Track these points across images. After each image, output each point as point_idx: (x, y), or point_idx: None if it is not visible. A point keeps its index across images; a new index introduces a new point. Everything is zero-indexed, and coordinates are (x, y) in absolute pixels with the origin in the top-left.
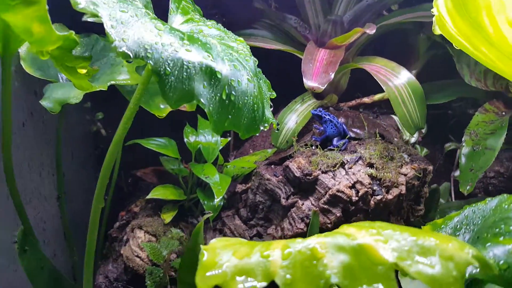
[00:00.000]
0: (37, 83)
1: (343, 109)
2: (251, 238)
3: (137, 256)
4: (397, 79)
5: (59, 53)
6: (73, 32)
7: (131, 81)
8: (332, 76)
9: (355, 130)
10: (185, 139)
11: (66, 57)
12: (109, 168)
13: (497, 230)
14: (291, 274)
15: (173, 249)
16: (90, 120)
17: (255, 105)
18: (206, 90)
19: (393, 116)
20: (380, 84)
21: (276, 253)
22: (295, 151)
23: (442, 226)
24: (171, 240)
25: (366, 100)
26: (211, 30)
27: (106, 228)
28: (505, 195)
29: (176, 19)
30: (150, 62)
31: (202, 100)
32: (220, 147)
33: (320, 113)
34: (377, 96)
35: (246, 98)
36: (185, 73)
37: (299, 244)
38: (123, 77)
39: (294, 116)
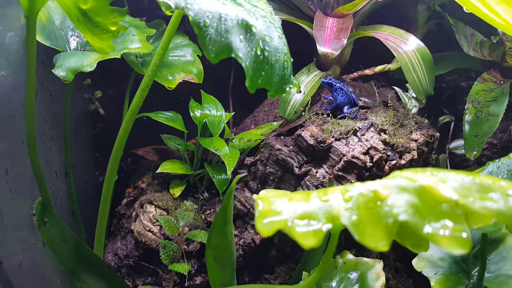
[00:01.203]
0: (44, 53)
1: (346, 81)
2: None
3: (149, 230)
4: (406, 45)
5: (97, 4)
6: None
7: (143, 50)
8: (345, 42)
9: (363, 98)
10: (191, 113)
11: (102, 9)
12: (124, 138)
13: None
14: (357, 215)
15: (189, 220)
16: (88, 99)
17: (285, 63)
18: (242, 44)
19: (394, 87)
20: (391, 50)
21: (336, 196)
22: (305, 120)
23: None
24: (186, 212)
25: (367, 72)
26: None
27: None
28: None
29: None
30: (190, 13)
31: (239, 54)
32: (226, 121)
33: (330, 81)
34: (378, 68)
35: (278, 54)
36: (223, 26)
37: (359, 187)
38: (135, 45)
39: (302, 87)
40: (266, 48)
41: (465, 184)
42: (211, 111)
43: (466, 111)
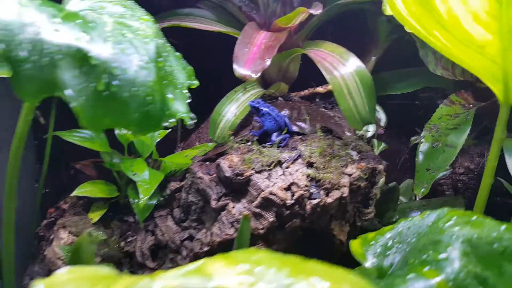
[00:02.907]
0: None
1: (293, 99)
2: (182, 242)
3: (59, 258)
4: (344, 67)
5: None
6: None
7: None
8: (268, 63)
9: (299, 124)
10: (116, 131)
11: None
12: (16, 165)
13: (425, 256)
14: None
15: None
16: None
17: (149, 97)
18: (75, 79)
19: None
20: (324, 72)
21: None
22: (230, 147)
23: (372, 242)
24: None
25: (320, 89)
26: (115, 7)
27: (38, 224)
28: (445, 209)
29: None
30: (1, 45)
31: (68, 92)
32: (157, 140)
33: (257, 105)
34: None
35: (135, 88)
36: (47, 58)
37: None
38: None
39: (234, 108)
40: (114, 82)
41: None
42: None
43: (422, 140)
